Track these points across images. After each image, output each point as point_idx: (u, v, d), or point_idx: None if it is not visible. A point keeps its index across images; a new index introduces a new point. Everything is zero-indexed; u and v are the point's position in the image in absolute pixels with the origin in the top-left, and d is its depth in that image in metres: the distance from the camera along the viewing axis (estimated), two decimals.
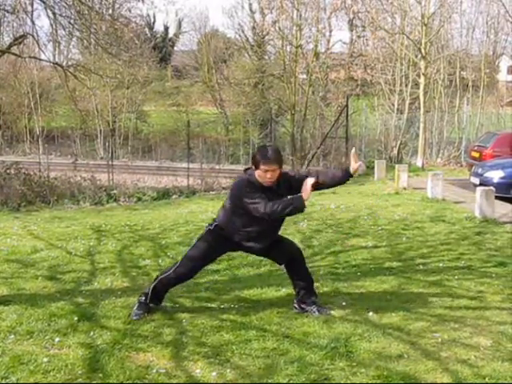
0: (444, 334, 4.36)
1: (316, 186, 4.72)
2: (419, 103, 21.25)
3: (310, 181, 4.60)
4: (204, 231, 4.92)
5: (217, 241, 4.80)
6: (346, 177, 4.80)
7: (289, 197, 4.63)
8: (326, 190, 14.81)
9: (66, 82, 21.23)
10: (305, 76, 25.38)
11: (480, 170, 13.25)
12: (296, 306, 4.95)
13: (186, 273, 4.86)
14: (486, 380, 3.64)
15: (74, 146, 33.44)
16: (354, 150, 4.84)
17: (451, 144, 24.14)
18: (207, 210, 11.05)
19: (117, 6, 20.94)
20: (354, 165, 4.69)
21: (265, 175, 4.56)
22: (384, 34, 23.15)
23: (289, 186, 4.72)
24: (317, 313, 4.82)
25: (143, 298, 4.82)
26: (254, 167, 4.65)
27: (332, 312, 4.86)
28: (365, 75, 27.33)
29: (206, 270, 6.25)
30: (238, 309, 4.92)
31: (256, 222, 4.65)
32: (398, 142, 22.69)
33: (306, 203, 4.57)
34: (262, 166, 4.54)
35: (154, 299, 4.85)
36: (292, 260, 4.98)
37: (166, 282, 4.83)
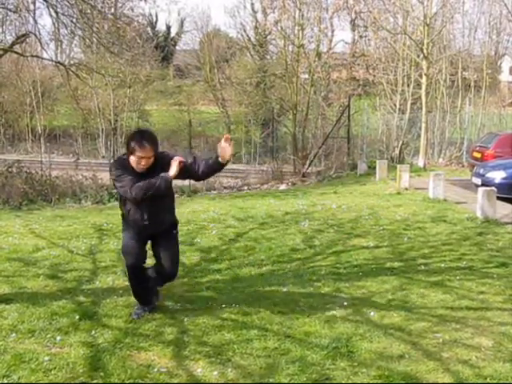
0: (445, 334, 4.36)
1: (195, 173, 4.61)
2: (421, 103, 21.22)
3: (177, 158, 4.48)
4: None
5: (131, 228, 4.70)
6: (217, 165, 4.55)
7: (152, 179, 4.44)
8: (327, 190, 14.79)
9: (68, 81, 21.24)
10: (307, 76, 25.33)
11: (482, 171, 13.23)
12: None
13: (134, 264, 4.63)
14: (488, 380, 3.64)
15: (76, 144, 33.43)
16: (226, 135, 4.56)
17: (453, 144, 24.11)
18: (209, 210, 11.05)
19: (119, 5, 20.90)
20: (220, 150, 4.44)
21: (139, 162, 4.42)
22: (386, 34, 23.12)
23: (163, 166, 4.50)
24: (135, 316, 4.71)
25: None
26: (128, 153, 4.48)
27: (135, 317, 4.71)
28: (367, 75, 27.29)
29: (208, 269, 6.27)
30: (239, 308, 4.92)
31: (139, 207, 4.54)
32: (400, 142, 22.66)
33: (173, 181, 4.53)
34: (137, 153, 4.39)
35: (146, 302, 4.82)
36: (164, 271, 4.79)
37: (133, 288, 4.81)
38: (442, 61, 24.26)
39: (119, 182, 4.48)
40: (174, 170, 4.44)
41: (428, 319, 4.69)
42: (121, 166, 4.53)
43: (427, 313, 4.86)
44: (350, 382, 3.62)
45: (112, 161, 4.68)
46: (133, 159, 4.44)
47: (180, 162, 4.47)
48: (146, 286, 4.82)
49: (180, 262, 6.51)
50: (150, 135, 4.56)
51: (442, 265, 6.56)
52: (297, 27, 23.79)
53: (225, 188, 19.34)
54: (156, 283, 4.90)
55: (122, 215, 4.82)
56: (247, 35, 33.77)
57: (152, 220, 4.61)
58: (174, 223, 4.89)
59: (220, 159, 4.49)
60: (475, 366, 3.84)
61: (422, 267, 6.46)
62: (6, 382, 3.54)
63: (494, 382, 3.63)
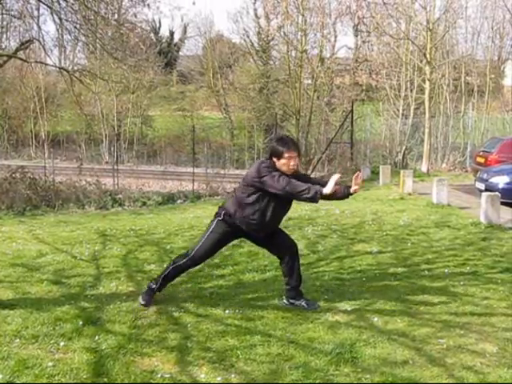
0: (449, 340, 4.35)
1: (328, 195, 4.77)
2: (424, 108, 21.25)
3: (335, 177, 4.70)
4: (213, 222, 5.15)
5: (226, 230, 5.06)
6: (345, 195, 4.96)
7: (309, 185, 4.71)
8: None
9: (71, 87, 21.32)
10: (310, 81, 25.39)
11: (485, 176, 13.22)
12: (285, 301, 5.19)
13: (196, 262, 5.19)
14: None
15: (80, 150, 33.54)
16: (359, 174, 4.91)
17: (456, 149, 24.11)
18: (212, 215, 11.04)
19: (122, 11, 20.98)
20: (355, 187, 4.83)
21: (289, 162, 4.77)
22: (389, 39, 23.18)
23: (299, 177, 4.88)
24: (306, 306, 5.07)
25: (153, 286, 5.13)
26: (274, 160, 4.82)
27: (320, 304, 5.13)
28: (370, 80, 27.34)
29: (211, 274, 6.27)
30: (242, 314, 4.92)
31: (264, 210, 4.84)
32: (403, 147, 22.68)
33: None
34: (285, 154, 4.75)
35: (162, 287, 5.18)
36: (288, 254, 5.17)
37: (175, 271, 5.14)
38: (445, 66, 24.29)
39: (272, 175, 4.69)
40: (330, 186, 4.62)
41: (432, 325, 4.68)
42: (270, 165, 4.81)
43: (431, 318, 4.85)
44: None
45: (257, 163, 4.96)
46: (283, 162, 4.78)
47: (336, 184, 4.67)
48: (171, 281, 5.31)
49: None
50: (291, 139, 5.04)
51: (446, 270, 6.54)
52: (300, 33, 23.86)
53: (228, 193, 19.34)
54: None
55: (226, 215, 5.06)
56: (250, 41, 33.88)
57: (266, 225, 4.96)
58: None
59: (351, 191, 4.89)
60: (479, 371, 3.82)
61: (426, 272, 6.44)
62: None
63: None
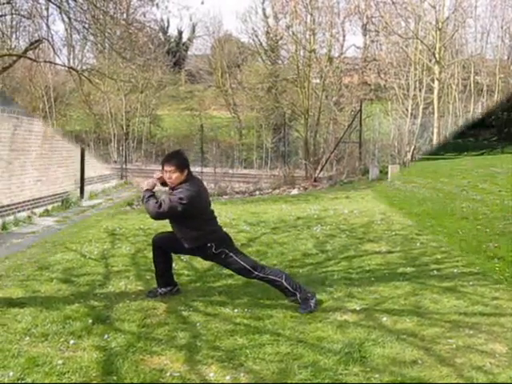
0: (459, 340, 4.33)
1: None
2: (433, 108, 21.17)
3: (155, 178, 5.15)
4: None
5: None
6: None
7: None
8: (339, 195, 14.71)
9: (80, 86, 21.40)
10: (318, 80, 25.33)
11: None
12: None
13: (154, 243, 5.47)
14: None
15: (88, 149, 33.61)
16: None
17: None
18: (220, 215, 11.02)
19: (131, 10, 20.98)
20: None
21: (165, 175, 5.06)
22: (398, 38, 23.09)
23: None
24: (299, 304, 5.04)
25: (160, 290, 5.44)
26: None
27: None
28: (378, 80, 27.21)
29: (220, 273, 6.27)
30: (251, 313, 4.92)
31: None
32: (412, 147, 22.58)
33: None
34: (163, 168, 5.06)
35: (161, 283, 5.44)
36: (246, 277, 5.34)
37: (154, 260, 5.50)
38: (454, 65, 24.19)
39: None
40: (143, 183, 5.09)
41: (441, 325, 4.66)
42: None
43: (440, 318, 4.83)
44: None
45: None
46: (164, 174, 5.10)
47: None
48: (165, 274, 5.50)
49: (192, 267, 6.57)
50: (176, 152, 5.29)
51: (455, 270, 6.52)
52: (308, 32, 23.82)
53: (236, 193, 19.37)
54: None
55: None
56: (259, 40, 33.83)
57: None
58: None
59: None
60: (489, 372, 3.81)
61: (435, 272, 6.42)
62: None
63: None
